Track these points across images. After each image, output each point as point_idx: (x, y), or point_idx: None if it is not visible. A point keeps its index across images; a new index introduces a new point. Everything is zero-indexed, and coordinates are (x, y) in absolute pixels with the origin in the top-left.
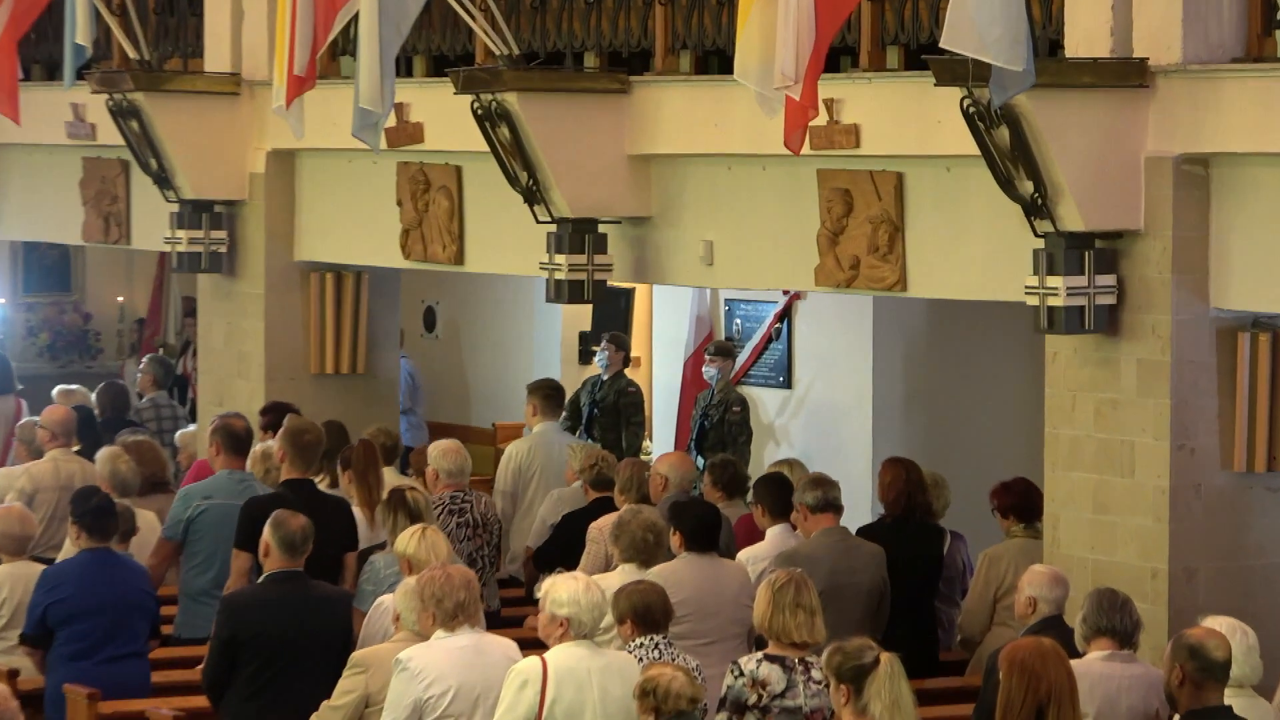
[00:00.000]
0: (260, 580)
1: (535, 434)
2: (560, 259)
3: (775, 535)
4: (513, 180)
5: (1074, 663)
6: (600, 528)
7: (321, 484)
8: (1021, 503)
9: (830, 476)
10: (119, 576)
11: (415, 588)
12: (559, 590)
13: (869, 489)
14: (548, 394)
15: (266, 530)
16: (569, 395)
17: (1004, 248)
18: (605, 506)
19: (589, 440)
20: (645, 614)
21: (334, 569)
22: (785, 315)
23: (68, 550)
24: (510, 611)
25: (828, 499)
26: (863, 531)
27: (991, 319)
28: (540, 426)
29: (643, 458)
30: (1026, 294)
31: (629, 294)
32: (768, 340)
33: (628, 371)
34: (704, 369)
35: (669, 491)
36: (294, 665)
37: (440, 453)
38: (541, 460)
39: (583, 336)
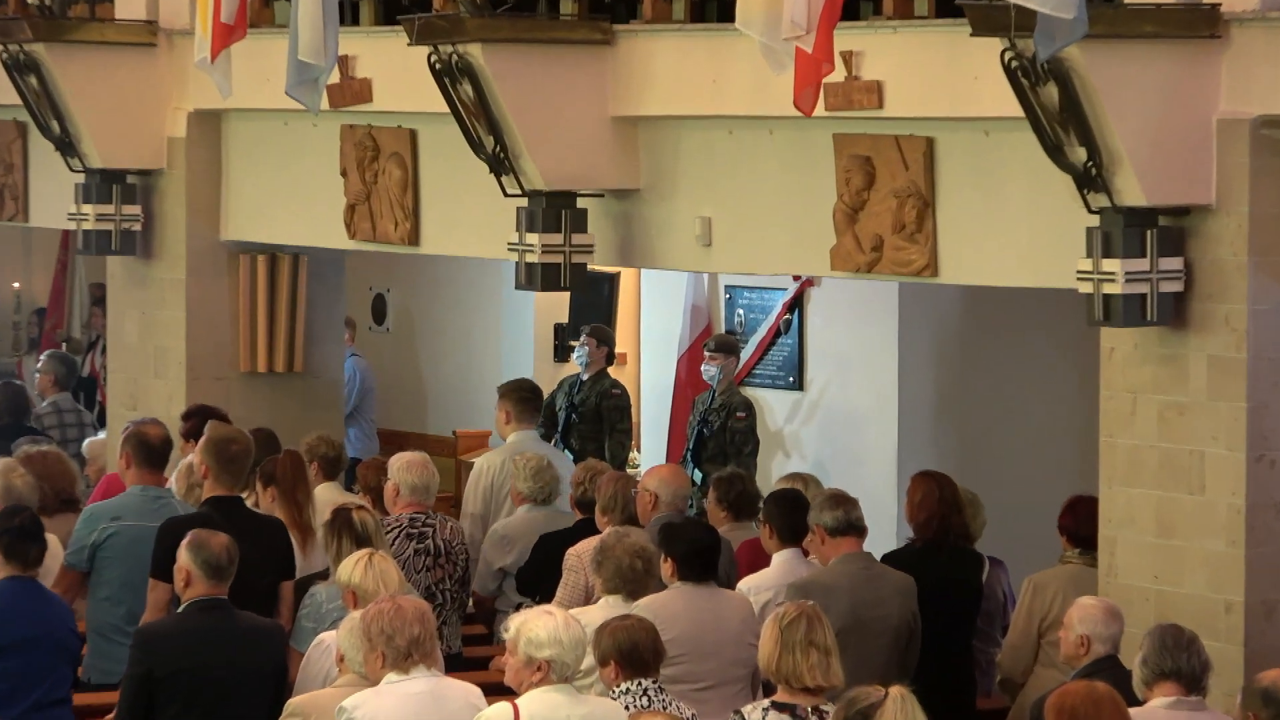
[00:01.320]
0: (180, 609)
1: (509, 445)
2: (532, 239)
3: (784, 562)
4: (477, 147)
5: (1133, 711)
6: (580, 554)
7: (250, 500)
8: (1079, 525)
9: (849, 494)
10: (47, 611)
11: (361, 623)
12: (536, 628)
13: (894, 508)
14: (524, 397)
15: (183, 554)
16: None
17: (1052, 226)
18: (589, 529)
19: (565, 451)
20: (632, 654)
21: (268, 600)
22: (796, 305)
23: None
24: (475, 651)
25: (848, 520)
26: (889, 558)
27: (1037, 310)
28: (514, 436)
29: (629, 471)
30: (1079, 280)
31: (613, 280)
32: (775, 334)
33: (611, 370)
34: (702, 368)
35: (660, 511)
36: (220, 707)
37: (404, 465)
38: None
39: (559, 330)
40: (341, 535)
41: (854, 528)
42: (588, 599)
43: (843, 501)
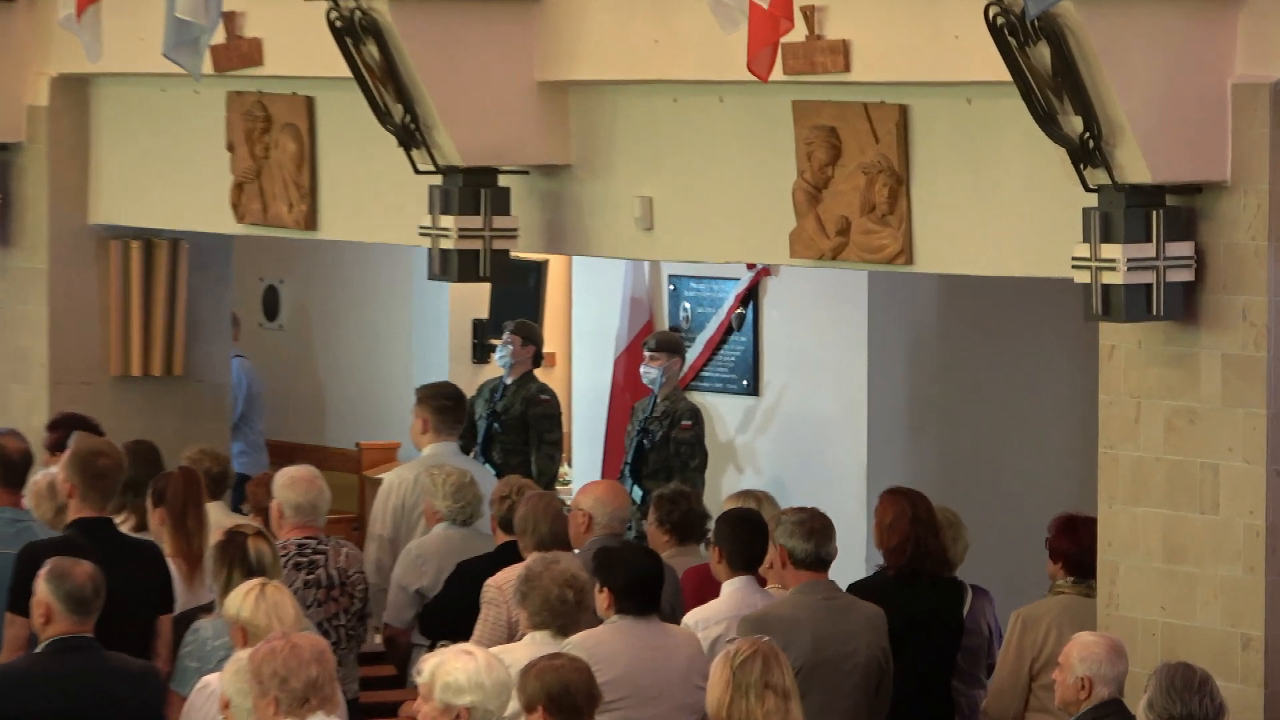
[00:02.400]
0: (38, 649)
1: (424, 458)
2: (447, 222)
3: (736, 591)
4: (383, 116)
5: None
6: (500, 586)
7: (123, 525)
8: (1080, 550)
9: (827, 517)
10: None
11: (251, 664)
12: (454, 671)
13: (863, 531)
14: (444, 404)
15: (41, 585)
16: None
17: (1044, 207)
18: (513, 555)
19: (487, 465)
20: (563, 699)
21: (142, 637)
22: (750, 298)
23: None
24: (374, 697)
25: (818, 555)
26: (856, 588)
27: (1027, 303)
28: (432, 448)
29: (560, 488)
30: (1074, 268)
31: (540, 269)
32: (726, 331)
33: (539, 373)
34: (642, 369)
35: (594, 534)
36: None
37: (287, 482)
38: None
39: (478, 327)
40: (232, 565)
41: (823, 563)
42: (511, 636)
43: (818, 533)
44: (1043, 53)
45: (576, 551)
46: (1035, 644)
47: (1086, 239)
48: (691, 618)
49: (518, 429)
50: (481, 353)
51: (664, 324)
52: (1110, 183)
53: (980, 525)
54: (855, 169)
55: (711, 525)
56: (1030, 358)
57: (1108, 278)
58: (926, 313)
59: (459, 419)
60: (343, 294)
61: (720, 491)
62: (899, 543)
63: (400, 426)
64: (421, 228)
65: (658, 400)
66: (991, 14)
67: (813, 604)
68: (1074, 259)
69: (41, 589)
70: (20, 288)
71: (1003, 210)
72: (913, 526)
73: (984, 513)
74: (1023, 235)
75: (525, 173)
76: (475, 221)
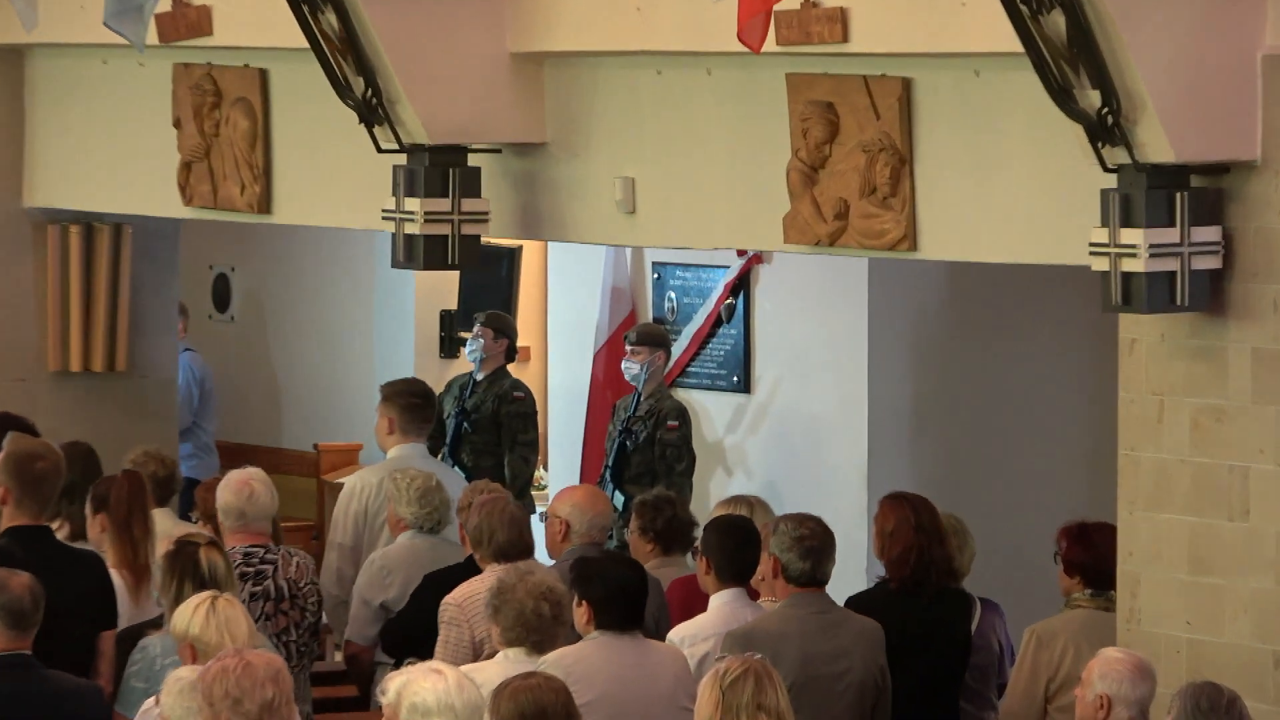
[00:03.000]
0: None
1: (388, 461)
2: (413, 205)
3: (725, 605)
4: (343, 90)
5: None
6: (459, 603)
7: (60, 532)
8: (1099, 559)
9: (829, 533)
10: None
11: (202, 684)
12: (421, 691)
13: (863, 539)
14: (411, 402)
15: None
16: None
17: (1058, 188)
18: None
19: (456, 468)
20: None
21: (83, 655)
22: (741, 287)
23: None
24: None
25: (814, 576)
26: (854, 602)
27: (1041, 292)
28: (397, 450)
29: (535, 493)
30: (1091, 255)
31: (513, 257)
32: (715, 323)
33: (512, 369)
34: (624, 365)
35: (572, 543)
36: None
37: (224, 484)
38: None
39: (446, 318)
40: (182, 577)
41: (818, 582)
42: (475, 658)
43: (816, 552)
44: (1057, 21)
45: (552, 562)
46: (1051, 662)
47: (1105, 223)
48: (677, 633)
49: (489, 429)
50: (450, 347)
51: (647, 315)
52: (1130, 162)
53: (989, 533)
54: (854, 148)
55: (699, 533)
56: (1044, 352)
57: (1128, 265)
58: (931, 303)
59: (427, 418)
60: (299, 283)
61: (709, 497)
62: (901, 552)
63: (363, 427)
64: (385, 211)
65: (641, 398)
66: None
67: (802, 618)
68: (1091, 245)
69: None
70: None
71: (1014, 192)
72: (916, 535)
73: (993, 520)
74: (1036, 219)
75: (497, 151)
76: (443, 204)
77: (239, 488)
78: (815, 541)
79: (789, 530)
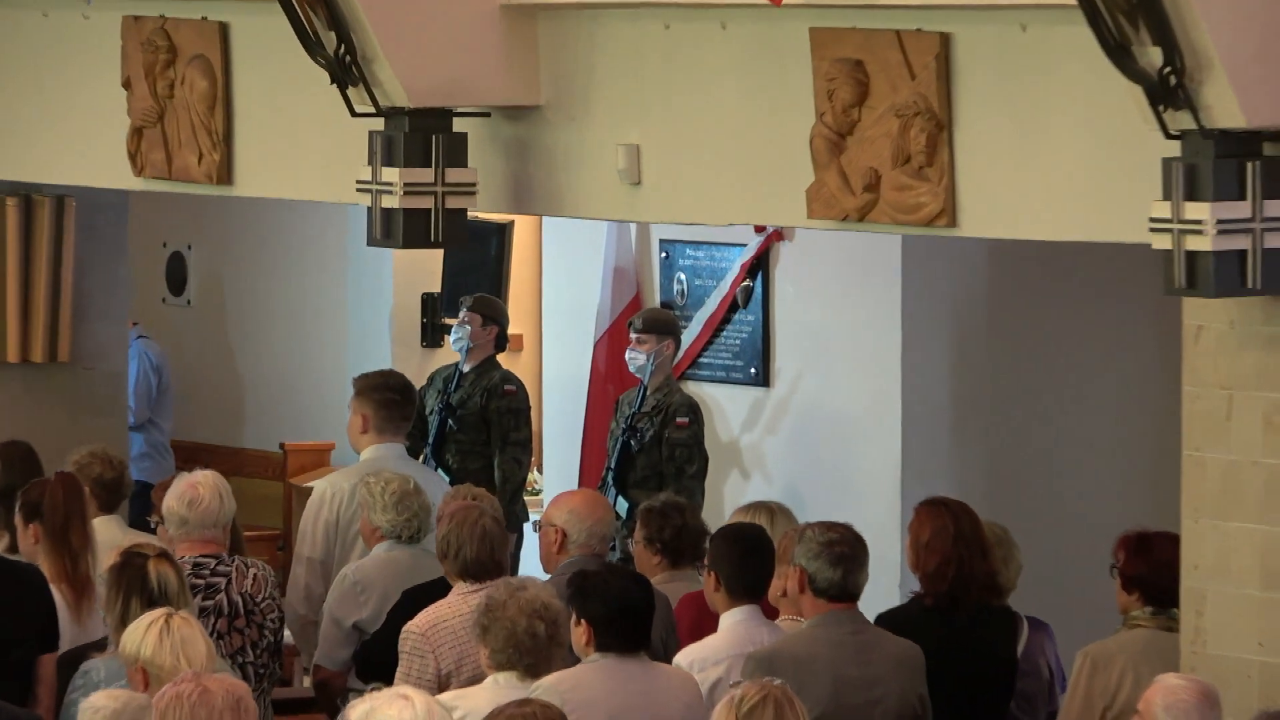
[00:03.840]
0: None
1: (362, 463)
2: (391, 175)
3: (738, 624)
4: (313, 47)
5: None
6: (423, 632)
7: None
8: (1160, 574)
9: (861, 540)
10: None
11: (155, 712)
12: (386, 719)
13: (896, 551)
14: (388, 397)
15: None
16: None
17: (1114, 157)
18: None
19: (438, 471)
20: None
21: (21, 680)
22: (759, 267)
23: None
24: None
25: (845, 587)
26: (887, 619)
27: (1095, 273)
28: (372, 451)
29: (528, 498)
30: (1152, 232)
31: (504, 233)
32: (730, 308)
33: (502, 359)
34: (628, 355)
35: (569, 554)
36: None
37: (171, 490)
38: None
39: (428, 303)
40: (129, 593)
41: (849, 595)
42: (441, 689)
43: (847, 559)
44: None
45: (547, 576)
46: (1107, 689)
47: (1167, 196)
48: (686, 656)
49: (477, 427)
50: (433, 335)
51: (654, 300)
52: (1196, 128)
53: (1037, 544)
54: (886, 111)
55: (709, 545)
56: (1099, 341)
57: (1193, 243)
58: (972, 286)
59: (406, 415)
60: (264, 263)
61: (723, 503)
62: (938, 565)
63: (334, 424)
64: (359, 183)
65: (647, 392)
66: None
67: (833, 640)
68: (1152, 221)
69: None
70: None
71: (1065, 161)
72: (955, 545)
73: (1042, 528)
74: (1089, 192)
75: (486, 115)
76: (425, 175)
77: (183, 492)
78: (846, 548)
79: (816, 536)
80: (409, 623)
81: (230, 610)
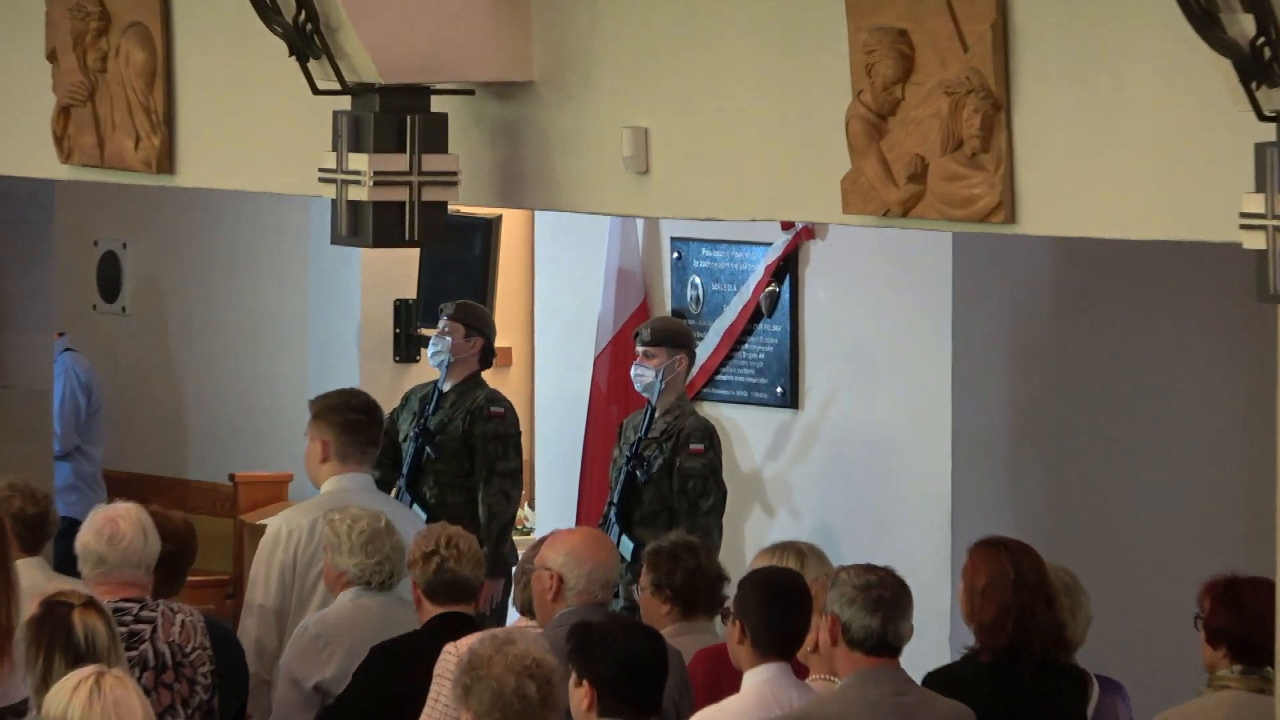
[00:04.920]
0: None
1: (323, 497)
2: (359, 163)
3: (764, 684)
4: (269, 14)
5: None
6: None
7: None
8: (1252, 627)
9: (904, 584)
10: None
11: None
12: None
13: (946, 598)
14: (352, 419)
15: None
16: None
17: (1198, 142)
18: (454, 628)
19: (414, 507)
20: None
21: None
22: (786, 270)
23: None
24: None
25: (884, 638)
26: (935, 679)
27: (1176, 276)
28: (334, 482)
29: (518, 537)
30: (1243, 229)
31: (490, 230)
32: (754, 317)
33: (488, 376)
34: (634, 371)
35: (566, 603)
36: None
37: (87, 525)
38: None
39: (402, 311)
40: (51, 648)
41: (890, 647)
42: None
43: (888, 605)
44: None
45: (541, 629)
46: None
47: (1260, 188)
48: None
49: (458, 455)
50: (408, 348)
51: (665, 307)
52: None
53: (1110, 591)
54: (935, 89)
55: (731, 592)
56: (1181, 356)
57: None
58: (1034, 293)
59: (372, 440)
60: (211, 265)
61: (743, 543)
62: (996, 615)
63: (293, 452)
64: (322, 171)
65: (655, 414)
66: None
67: (872, 701)
68: (1243, 216)
69: None
70: None
71: (1141, 148)
72: (1015, 593)
73: (1115, 574)
74: (1169, 183)
75: (470, 93)
76: (398, 162)
77: (101, 527)
78: (886, 592)
79: (852, 580)
80: (450, 643)
81: (157, 663)
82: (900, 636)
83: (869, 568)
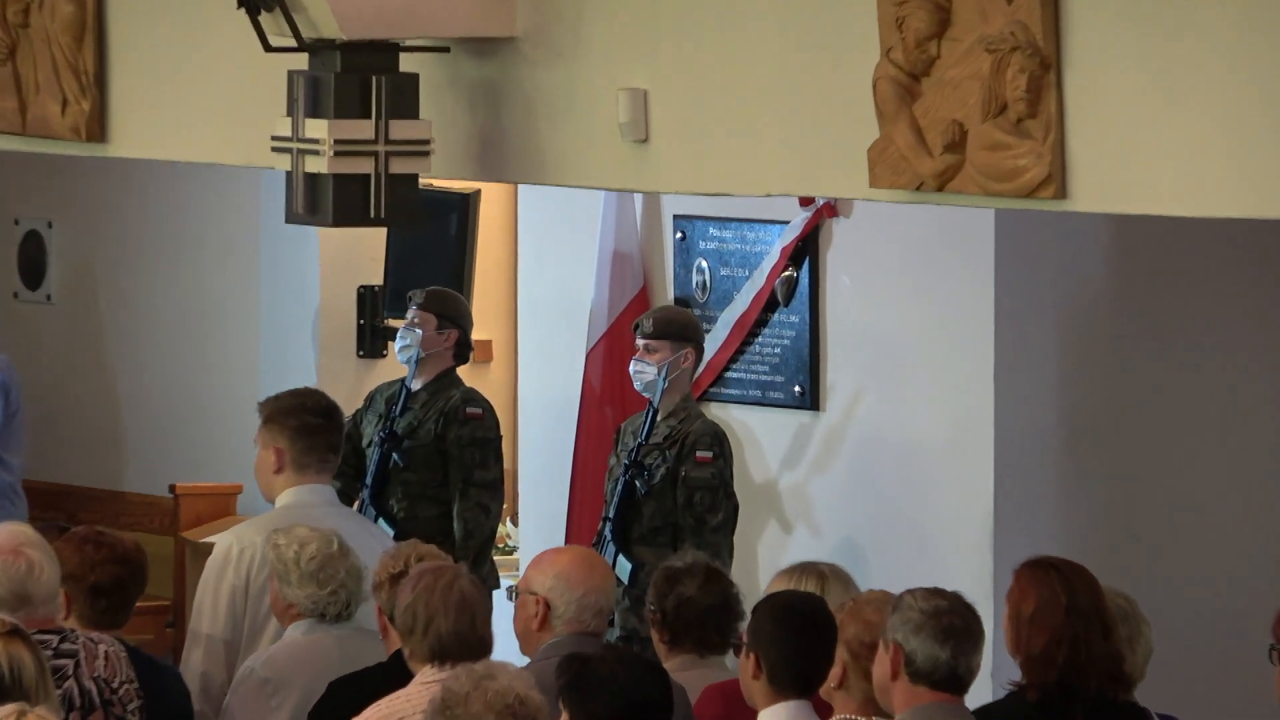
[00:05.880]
0: None
1: (276, 513)
2: (318, 130)
3: None
4: None
5: None
6: None
7: None
8: None
9: (973, 611)
10: None
11: None
12: None
13: (989, 628)
14: (308, 423)
15: None
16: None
17: (1276, 107)
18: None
19: (380, 522)
20: None
21: None
22: (805, 253)
23: None
24: None
25: (956, 669)
26: (978, 717)
27: (1249, 262)
28: (290, 495)
29: (499, 557)
30: None
31: (467, 208)
32: (768, 306)
33: (465, 373)
34: (632, 368)
35: (554, 632)
36: None
37: None
38: None
39: (367, 299)
40: None
41: (959, 683)
42: None
43: (959, 635)
44: None
45: (525, 660)
46: None
47: None
48: None
49: (430, 463)
50: (373, 342)
51: (668, 296)
52: None
53: (1173, 619)
54: (974, 45)
55: (745, 621)
56: (1255, 351)
57: None
58: (1088, 278)
59: (332, 446)
60: (148, 247)
61: (757, 564)
62: (1046, 646)
63: (243, 461)
64: (275, 140)
65: (657, 417)
66: None
67: None
68: None
69: None
70: None
71: (1210, 114)
72: (1067, 620)
73: (1179, 599)
74: (1241, 154)
75: (444, 50)
76: (363, 129)
77: (8, 563)
78: (958, 620)
79: (918, 604)
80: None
81: (83, 702)
82: (971, 670)
83: (937, 591)
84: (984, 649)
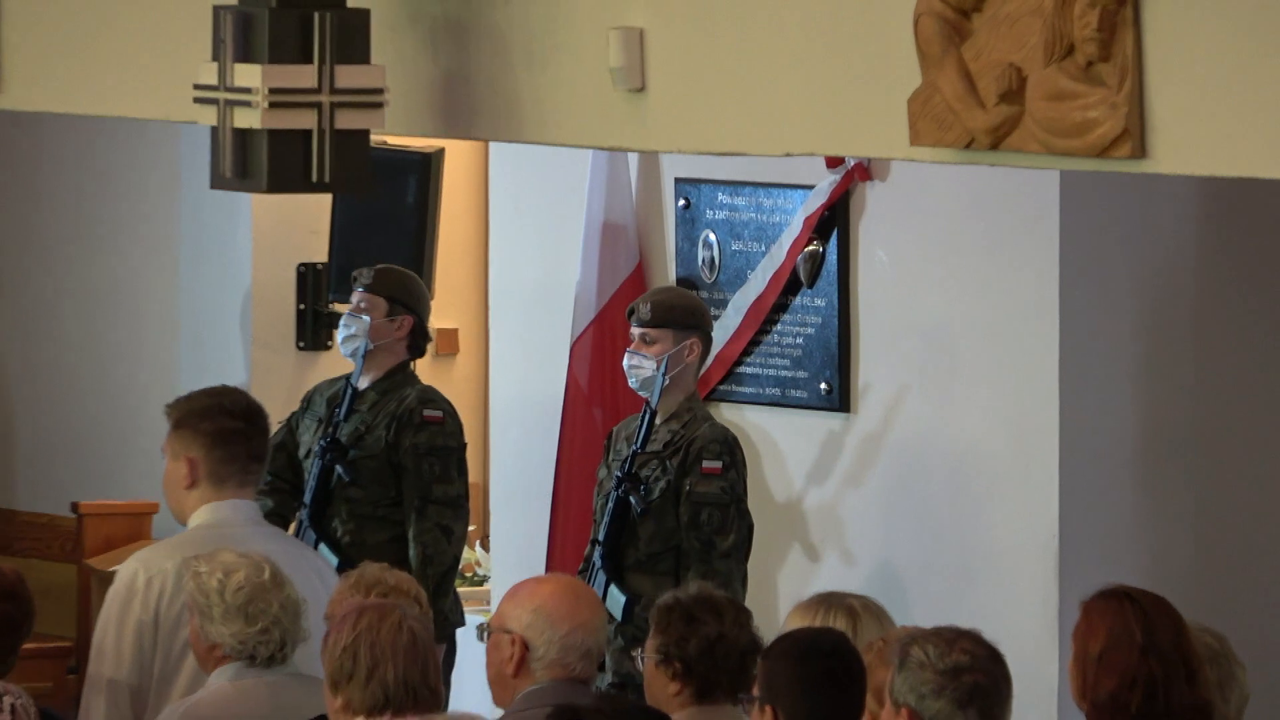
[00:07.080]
0: None
1: (197, 533)
2: (249, 77)
3: None
4: None
5: None
6: None
7: None
8: None
9: (999, 657)
10: None
11: None
12: None
13: (1053, 668)
14: (227, 426)
15: None
16: (274, 429)
17: None
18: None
19: (321, 547)
20: None
21: None
22: (833, 224)
23: None
24: None
25: None
26: None
27: None
28: (207, 513)
29: (464, 588)
30: None
31: (428, 170)
32: (789, 288)
33: (422, 368)
34: (626, 361)
35: (534, 678)
36: None
37: None
38: None
39: (309, 279)
40: None
41: None
42: None
43: (982, 693)
44: None
45: (500, 711)
46: None
47: None
48: None
49: (381, 476)
50: (316, 330)
51: (669, 276)
52: None
53: (1272, 660)
54: None
55: (759, 663)
56: None
57: None
58: (1172, 254)
59: (256, 454)
60: (46, 221)
61: (775, 594)
62: (1117, 691)
63: (157, 474)
64: (199, 89)
65: (656, 420)
66: None
67: None
68: None
69: None
70: None
71: None
72: (1144, 661)
73: (1277, 638)
74: None
75: None
76: (303, 76)
77: None
78: (981, 678)
79: (930, 658)
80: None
81: None
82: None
83: (951, 637)
84: (1048, 694)
